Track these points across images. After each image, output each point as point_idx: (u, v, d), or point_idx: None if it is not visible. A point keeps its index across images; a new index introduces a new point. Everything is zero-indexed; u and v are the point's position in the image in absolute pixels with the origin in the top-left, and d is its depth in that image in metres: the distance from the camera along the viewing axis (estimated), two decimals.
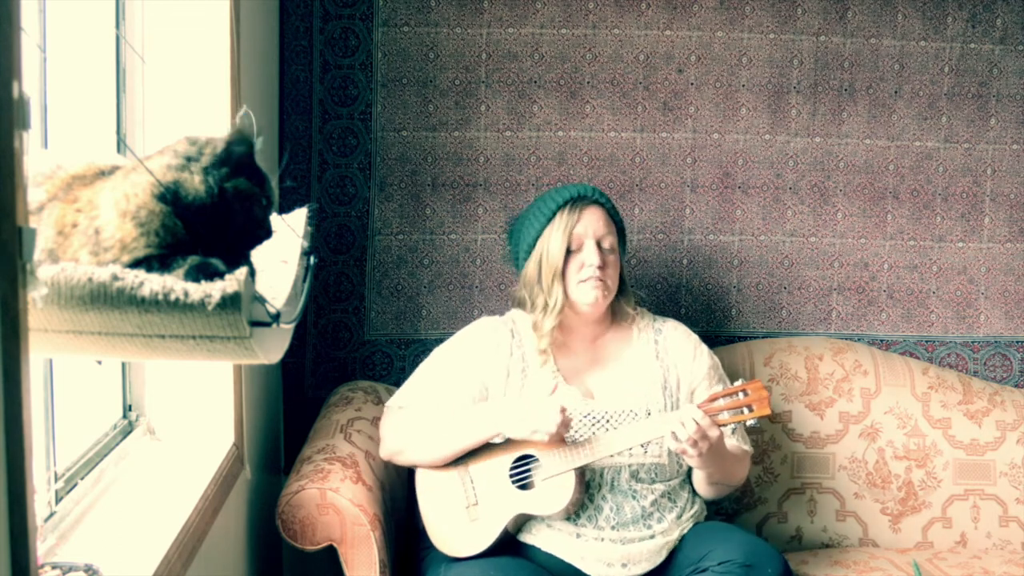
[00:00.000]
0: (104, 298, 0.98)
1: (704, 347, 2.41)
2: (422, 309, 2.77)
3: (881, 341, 2.88)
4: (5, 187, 0.77)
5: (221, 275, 1.04)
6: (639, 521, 2.21)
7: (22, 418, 0.80)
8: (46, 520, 1.50)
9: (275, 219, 1.20)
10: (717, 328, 2.84)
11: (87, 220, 1.07)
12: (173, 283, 1.00)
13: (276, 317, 1.09)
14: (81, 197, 1.09)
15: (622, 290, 2.36)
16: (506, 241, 2.50)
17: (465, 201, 2.75)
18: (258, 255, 1.18)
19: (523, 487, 2.19)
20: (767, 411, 2.15)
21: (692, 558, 2.17)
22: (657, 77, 2.77)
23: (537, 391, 2.24)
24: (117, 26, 1.89)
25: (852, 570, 2.43)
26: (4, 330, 0.78)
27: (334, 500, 2.10)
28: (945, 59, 2.82)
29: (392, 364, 2.77)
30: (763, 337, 2.84)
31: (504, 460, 2.21)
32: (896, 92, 2.82)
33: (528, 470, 2.19)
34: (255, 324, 1.04)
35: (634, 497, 2.22)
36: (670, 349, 2.36)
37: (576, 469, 2.15)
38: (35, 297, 0.86)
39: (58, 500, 1.55)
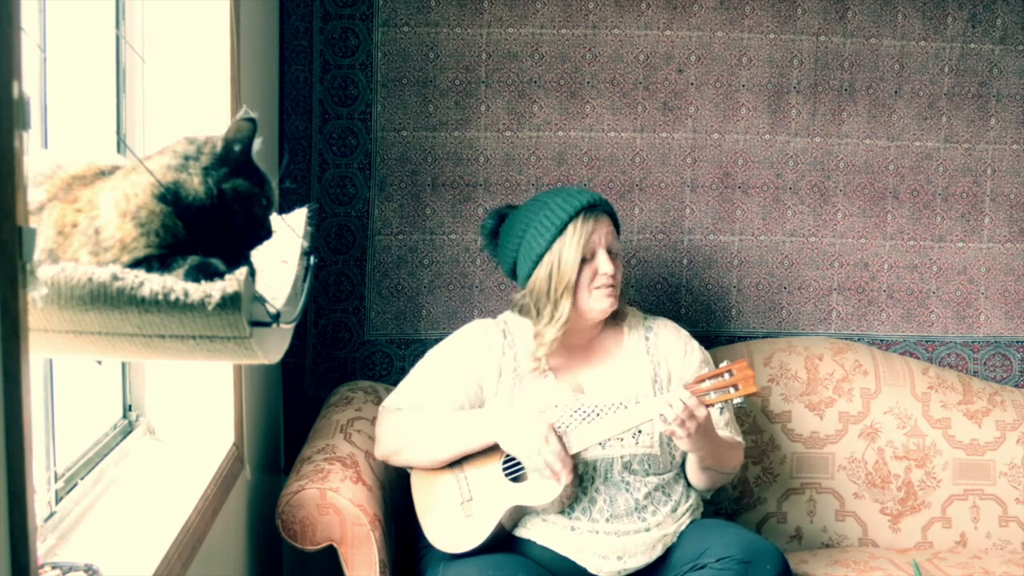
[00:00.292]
0: (104, 298, 0.98)
1: (695, 343, 2.42)
2: (422, 309, 2.77)
3: (881, 341, 2.88)
4: (5, 187, 0.77)
5: (221, 275, 1.04)
6: (633, 514, 2.21)
7: (22, 418, 0.80)
8: (46, 520, 1.50)
9: (275, 219, 1.20)
10: (717, 328, 2.85)
11: (87, 220, 1.07)
12: (173, 283, 1.00)
13: (276, 317, 1.09)
14: (81, 197, 1.09)
15: None
16: (490, 244, 2.43)
17: (465, 201, 2.75)
18: (258, 255, 1.18)
19: (516, 480, 2.20)
20: (753, 389, 2.16)
21: (690, 554, 2.17)
22: (657, 77, 2.77)
23: (533, 402, 2.26)
24: (117, 26, 1.89)
25: (852, 570, 2.43)
26: (4, 330, 0.78)
27: (334, 500, 2.10)
28: (945, 59, 2.82)
29: (392, 364, 2.77)
30: (763, 337, 2.84)
31: (497, 454, 2.22)
32: (896, 92, 2.82)
33: (521, 463, 2.20)
34: (255, 324, 1.04)
35: (627, 489, 2.22)
36: (661, 345, 2.38)
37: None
38: (35, 297, 0.86)
39: (58, 500, 1.55)
